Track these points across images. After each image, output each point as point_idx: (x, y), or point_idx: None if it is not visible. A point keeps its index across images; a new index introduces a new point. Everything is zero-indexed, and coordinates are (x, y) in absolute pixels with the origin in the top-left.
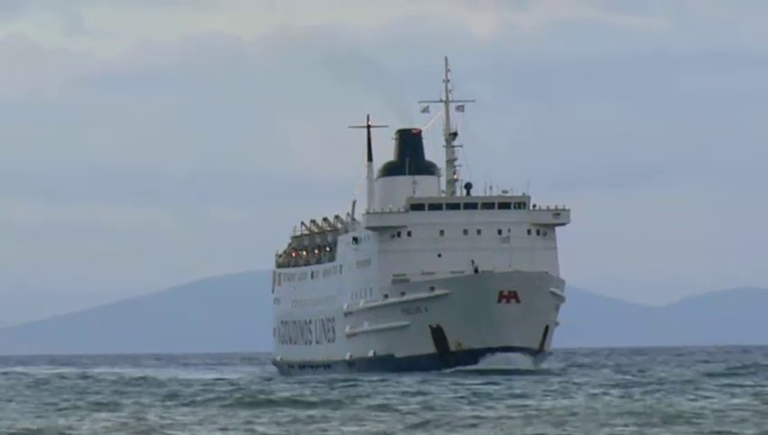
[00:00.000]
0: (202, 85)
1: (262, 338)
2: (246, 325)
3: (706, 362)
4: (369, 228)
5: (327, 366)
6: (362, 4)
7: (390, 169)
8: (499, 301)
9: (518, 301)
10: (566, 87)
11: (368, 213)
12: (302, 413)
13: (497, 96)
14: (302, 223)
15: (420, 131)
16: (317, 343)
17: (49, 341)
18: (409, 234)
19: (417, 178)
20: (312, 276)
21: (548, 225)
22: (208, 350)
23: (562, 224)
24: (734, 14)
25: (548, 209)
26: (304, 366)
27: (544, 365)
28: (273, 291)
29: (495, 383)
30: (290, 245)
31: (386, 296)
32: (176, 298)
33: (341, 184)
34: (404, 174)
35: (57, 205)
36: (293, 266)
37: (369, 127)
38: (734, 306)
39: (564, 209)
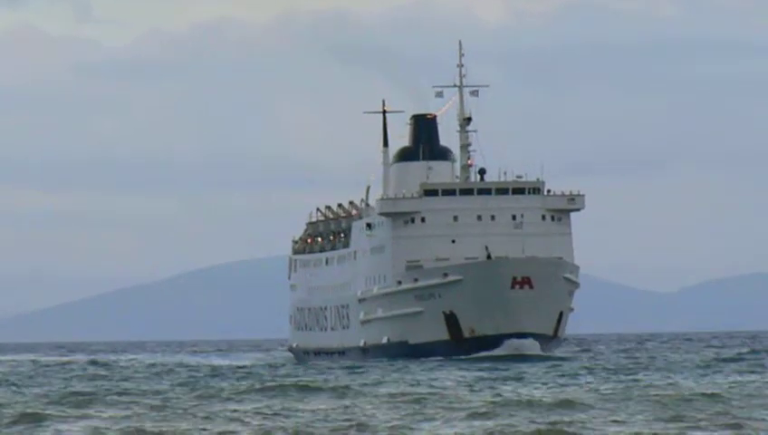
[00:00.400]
0: (208, 72)
1: (268, 324)
2: (252, 312)
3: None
4: (382, 214)
5: (341, 353)
6: None
7: (405, 155)
8: (512, 287)
9: (531, 287)
10: (572, 73)
11: (381, 199)
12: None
13: (506, 82)
14: (318, 209)
15: (435, 117)
16: (332, 329)
17: (54, 328)
18: (423, 220)
19: (432, 163)
20: (326, 263)
21: (563, 210)
22: (214, 337)
23: (577, 209)
24: (743, 2)
25: (562, 195)
26: (319, 353)
27: (559, 352)
28: (289, 277)
29: (503, 369)
30: (306, 231)
31: (399, 283)
32: (181, 285)
33: (351, 170)
34: (418, 159)
35: (62, 192)
36: (309, 253)
37: (384, 112)
38: (745, 292)
39: (579, 195)
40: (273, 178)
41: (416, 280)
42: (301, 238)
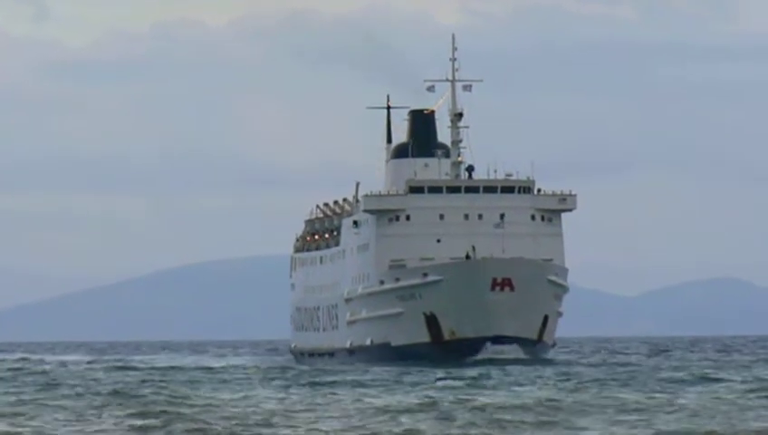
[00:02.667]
0: (169, 72)
1: (241, 325)
2: (225, 313)
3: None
4: (366, 211)
5: (331, 354)
6: None
7: (400, 152)
8: (492, 288)
9: (512, 289)
10: (530, 75)
11: (366, 195)
12: None
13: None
14: (317, 206)
15: (433, 112)
16: (323, 330)
17: (16, 329)
18: (408, 217)
19: (429, 160)
20: (320, 261)
21: (553, 210)
22: (184, 338)
23: (569, 210)
24: (698, 6)
25: (553, 194)
26: (313, 354)
27: (548, 356)
28: (290, 276)
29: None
30: (305, 229)
31: (381, 282)
32: (148, 286)
33: (321, 170)
34: (414, 156)
35: (23, 192)
36: (307, 251)
37: (388, 108)
38: (709, 296)
39: (570, 194)
40: (237, 178)
41: (397, 280)
42: (300, 236)
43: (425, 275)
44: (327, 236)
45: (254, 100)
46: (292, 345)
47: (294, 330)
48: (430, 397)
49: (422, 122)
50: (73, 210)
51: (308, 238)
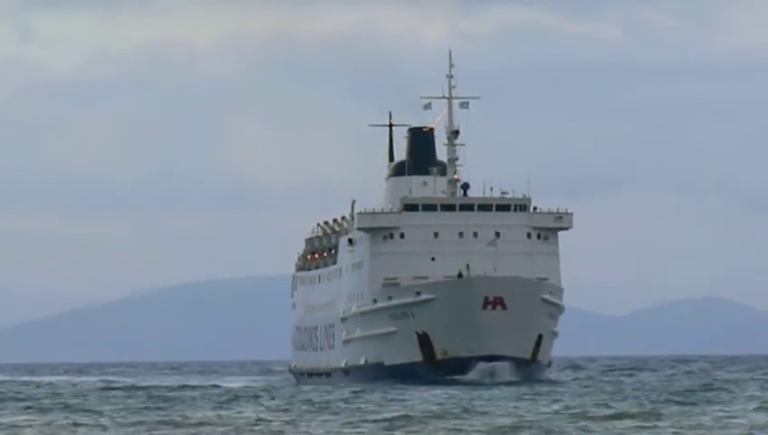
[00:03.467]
0: (155, 93)
1: (227, 346)
2: (211, 333)
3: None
4: (360, 229)
5: (328, 374)
6: (308, 9)
7: (399, 169)
8: (484, 307)
9: (504, 307)
10: (516, 93)
11: (360, 213)
12: None
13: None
14: (318, 224)
15: (432, 129)
16: (321, 349)
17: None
18: (402, 235)
19: (428, 178)
20: (318, 280)
21: (549, 229)
22: (168, 358)
23: (565, 228)
24: (685, 26)
25: (549, 212)
26: (312, 374)
27: (545, 376)
28: (292, 296)
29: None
30: (305, 248)
31: (375, 301)
32: (134, 307)
33: (307, 190)
34: (411, 174)
35: (9, 214)
36: (306, 270)
37: (391, 126)
38: (696, 316)
39: (567, 213)
40: (223, 199)
41: (390, 298)
42: (301, 255)
43: (417, 293)
44: (325, 254)
45: (239, 119)
46: (292, 365)
47: (294, 349)
48: None
49: (421, 140)
50: (59, 231)
51: (308, 257)
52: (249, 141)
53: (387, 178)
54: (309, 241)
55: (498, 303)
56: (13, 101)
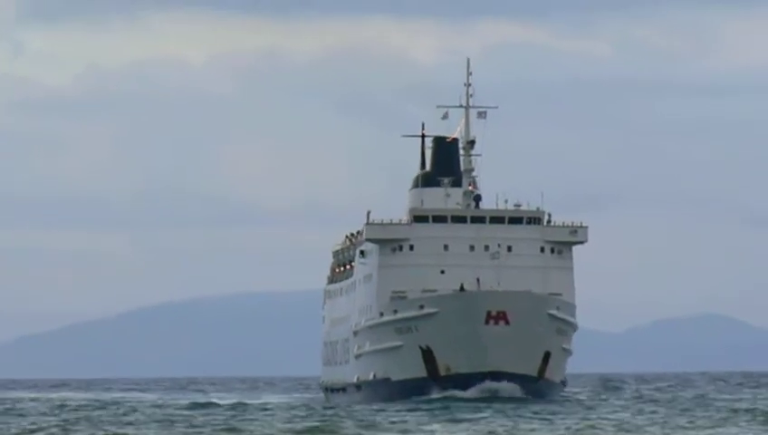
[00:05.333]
0: (148, 109)
1: (214, 363)
2: (209, 349)
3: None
4: (369, 240)
5: (343, 390)
6: (297, 28)
7: (421, 181)
8: (486, 322)
9: (507, 323)
10: (508, 111)
11: (368, 224)
12: None
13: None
14: (346, 236)
15: (456, 139)
16: (340, 364)
17: None
18: (411, 247)
19: (451, 190)
20: (340, 293)
21: (564, 242)
22: (163, 374)
23: (580, 242)
24: (675, 44)
25: (564, 226)
26: (334, 390)
27: (558, 395)
28: (322, 309)
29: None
30: (333, 261)
31: (381, 314)
32: (128, 323)
33: (297, 207)
34: (433, 185)
35: (2, 230)
36: (333, 283)
37: (423, 136)
38: (695, 333)
39: (582, 226)
40: (216, 215)
41: (395, 311)
42: (331, 268)
43: (421, 307)
44: (347, 267)
45: (232, 136)
46: (321, 380)
47: (323, 365)
48: None
49: (445, 150)
50: (52, 247)
51: (336, 270)
52: (243, 158)
53: (410, 190)
54: (335, 254)
55: (501, 318)
56: (4, 116)
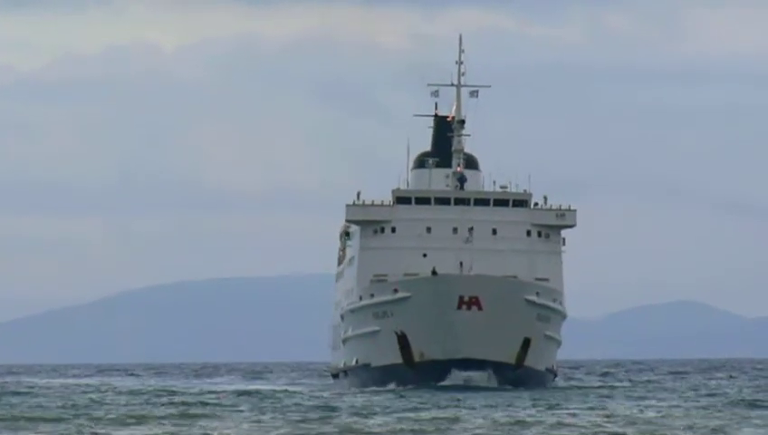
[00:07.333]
0: (122, 95)
1: (187, 348)
2: (174, 336)
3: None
4: (349, 221)
5: (335, 375)
6: (268, 14)
7: (422, 161)
8: (459, 307)
9: (480, 308)
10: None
11: (349, 205)
12: None
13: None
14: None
15: (454, 118)
16: (334, 349)
17: None
18: (393, 230)
19: (448, 171)
20: (342, 276)
21: (551, 226)
22: (139, 360)
23: (568, 226)
24: (646, 30)
25: (551, 209)
26: (335, 375)
27: (550, 384)
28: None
29: None
30: (340, 243)
31: (360, 298)
32: (103, 309)
33: (266, 191)
34: (434, 166)
35: None
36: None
37: (436, 116)
38: (671, 319)
39: (570, 210)
40: (189, 200)
41: (371, 296)
42: (339, 250)
43: (395, 290)
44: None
45: (206, 121)
46: (329, 364)
47: (330, 349)
48: None
49: (445, 129)
50: (25, 234)
51: (341, 253)
52: (216, 143)
53: (411, 170)
54: (341, 236)
55: (474, 302)
56: None
